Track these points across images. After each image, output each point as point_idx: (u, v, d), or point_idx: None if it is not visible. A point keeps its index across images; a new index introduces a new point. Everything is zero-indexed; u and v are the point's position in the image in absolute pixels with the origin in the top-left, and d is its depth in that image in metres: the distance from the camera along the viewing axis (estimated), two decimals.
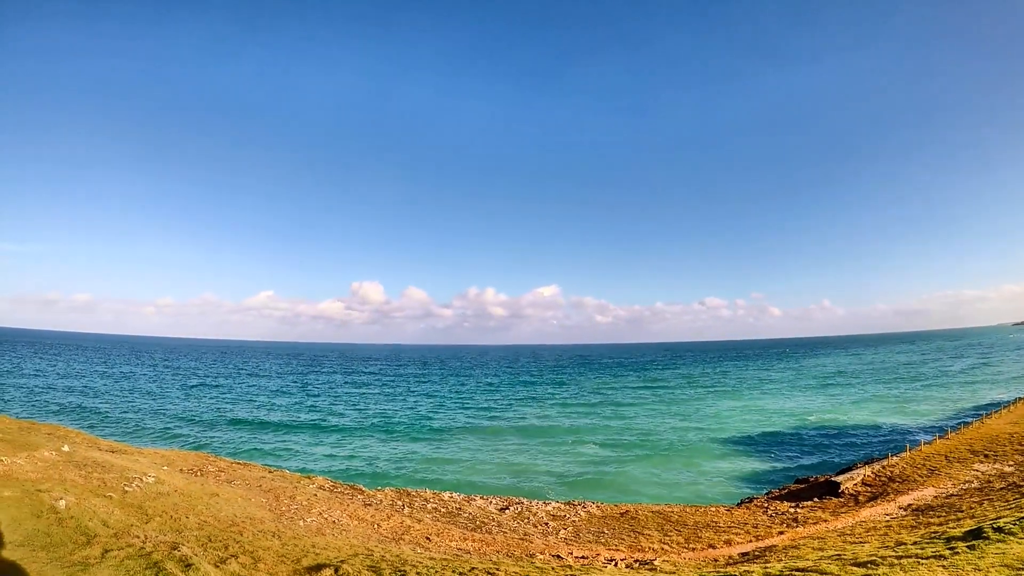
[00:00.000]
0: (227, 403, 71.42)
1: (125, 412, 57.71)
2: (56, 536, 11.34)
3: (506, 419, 62.59)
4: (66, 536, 11.43)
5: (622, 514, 24.28)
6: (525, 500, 26.37)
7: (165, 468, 21.48)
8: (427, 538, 17.91)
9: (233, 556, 11.59)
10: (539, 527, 22.08)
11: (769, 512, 24.10)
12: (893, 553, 10.82)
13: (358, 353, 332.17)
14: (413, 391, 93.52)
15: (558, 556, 16.55)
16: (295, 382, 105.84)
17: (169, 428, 51.14)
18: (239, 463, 26.70)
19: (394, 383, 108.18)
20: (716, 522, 22.85)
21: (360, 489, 24.79)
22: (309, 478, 25.40)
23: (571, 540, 20.33)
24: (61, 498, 13.79)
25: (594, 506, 25.82)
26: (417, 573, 11.06)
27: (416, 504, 23.72)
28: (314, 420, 59.45)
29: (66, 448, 20.87)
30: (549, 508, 25.21)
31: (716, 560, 16.22)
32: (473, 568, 11.99)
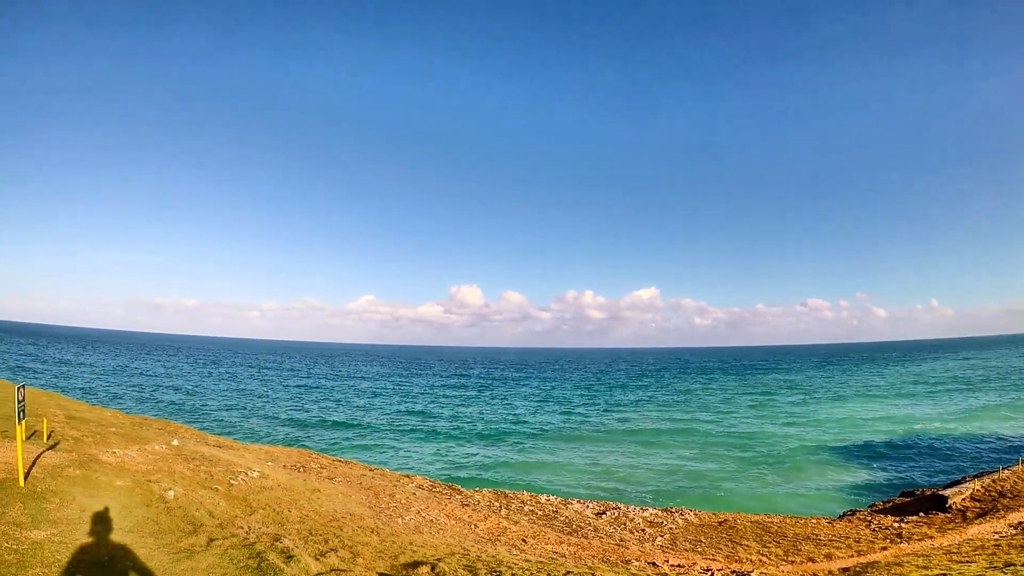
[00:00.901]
0: (329, 403, 76.96)
1: (230, 410, 64.14)
2: (164, 524, 12.47)
3: (603, 423, 65.51)
4: (173, 524, 12.53)
5: (720, 523, 24.89)
6: (622, 505, 27.43)
7: (269, 464, 23.21)
8: (523, 540, 18.67)
9: (333, 550, 12.32)
10: (635, 533, 22.81)
11: (872, 526, 24.27)
12: (1002, 575, 11.00)
13: (456, 356, 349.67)
14: (511, 394, 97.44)
15: (653, 563, 17.07)
16: (395, 384, 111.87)
17: (272, 426, 56.24)
18: (340, 460, 28.56)
19: (492, 386, 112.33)
20: (816, 535, 23.09)
21: (458, 489, 26.09)
22: (408, 477, 26.79)
23: (668, 548, 20.91)
24: (170, 489, 15.19)
25: (692, 514, 26.57)
26: (512, 574, 11.40)
27: (513, 506, 24.90)
28: (413, 421, 63.35)
29: (175, 442, 23.07)
30: (646, 514, 26.06)
31: (816, 574, 16.74)
32: (568, 572, 12.27)
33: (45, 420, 21.42)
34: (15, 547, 9.80)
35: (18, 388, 14.30)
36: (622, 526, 23.67)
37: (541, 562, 13.95)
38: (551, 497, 27.55)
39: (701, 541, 21.85)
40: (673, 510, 26.93)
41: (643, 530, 23.16)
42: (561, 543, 19.12)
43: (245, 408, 66.28)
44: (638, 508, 26.89)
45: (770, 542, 21.70)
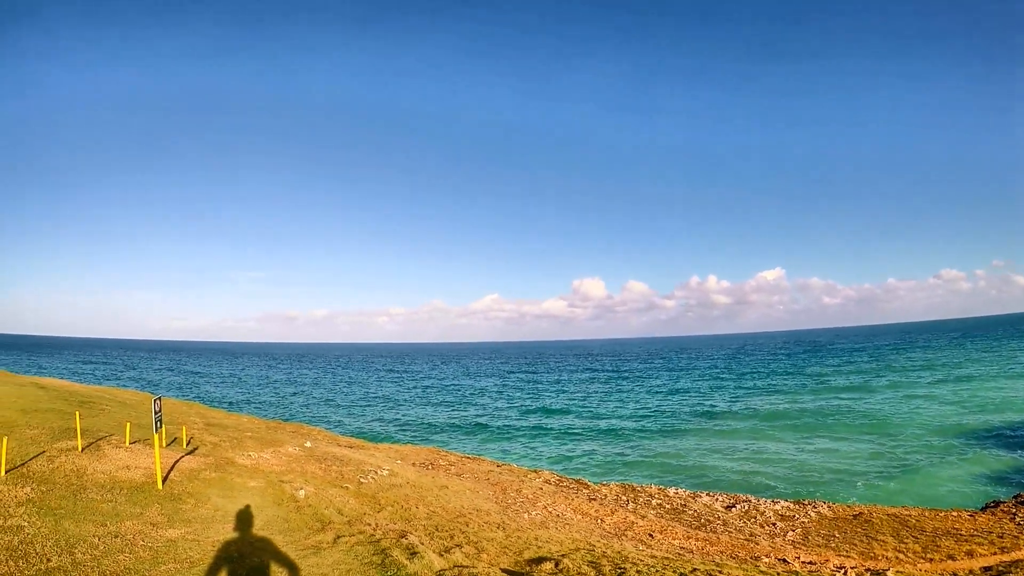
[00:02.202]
0: (457, 401, 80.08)
1: (361, 412, 68.56)
2: (293, 522, 13.25)
3: (732, 412, 64.98)
4: (303, 522, 13.29)
5: (855, 516, 24.01)
6: (752, 498, 27.06)
7: (399, 462, 24.30)
8: (650, 535, 18.77)
9: (458, 546, 12.74)
10: (766, 527, 22.54)
11: (1017, 519, 23.45)
12: None
13: (581, 349, 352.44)
14: (637, 387, 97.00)
15: (784, 560, 16.77)
16: (521, 380, 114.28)
17: (401, 426, 59.64)
18: (468, 457, 29.50)
19: (617, 379, 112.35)
20: (957, 529, 22.14)
21: (585, 484, 26.51)
22: (536, 472, 27.34)
23: (799, 543, 20.49)
24: (301, 488, 16.17)
25: (825, 506, 25.69)
26: (637, 571, 11.16)
27: (641, 500, 25.15)
28: (540, 417, 64.81)
29: (308, 444, 24.68)
30: (777, 507, 25.37)
31: (955, 574, 16.57)
32: (695, 569, 11.82)
33: (184, 428, 23.68)
34: (150, 545, 10.78)
35: (155, 400, 16.03)
36: (752, 520, 23.36)
37: (667, 558, 13.84)
38: (679, 490, 27.59)
39: (834, 536, 21.43)
40: (805, 502, 26.32)
41: (774, 524, 22.88)
42: (689, 538, 19.10)
43: (375, 410, 70.42)
44: (769, 501, 26.40)
45: (907, 537, 21.03)
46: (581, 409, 69.51)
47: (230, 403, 71.74)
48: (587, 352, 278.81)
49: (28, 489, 12.79)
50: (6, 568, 9.21)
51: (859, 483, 35.79)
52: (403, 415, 65.85)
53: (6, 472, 13.73)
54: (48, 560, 9.63)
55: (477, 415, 66.06)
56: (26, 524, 10.92)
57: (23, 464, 14.67)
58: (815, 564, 16.23)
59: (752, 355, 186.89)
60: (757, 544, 19.41)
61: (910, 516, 23.86)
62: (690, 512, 23.54)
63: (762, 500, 26.41)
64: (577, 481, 26.89)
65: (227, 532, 11.95)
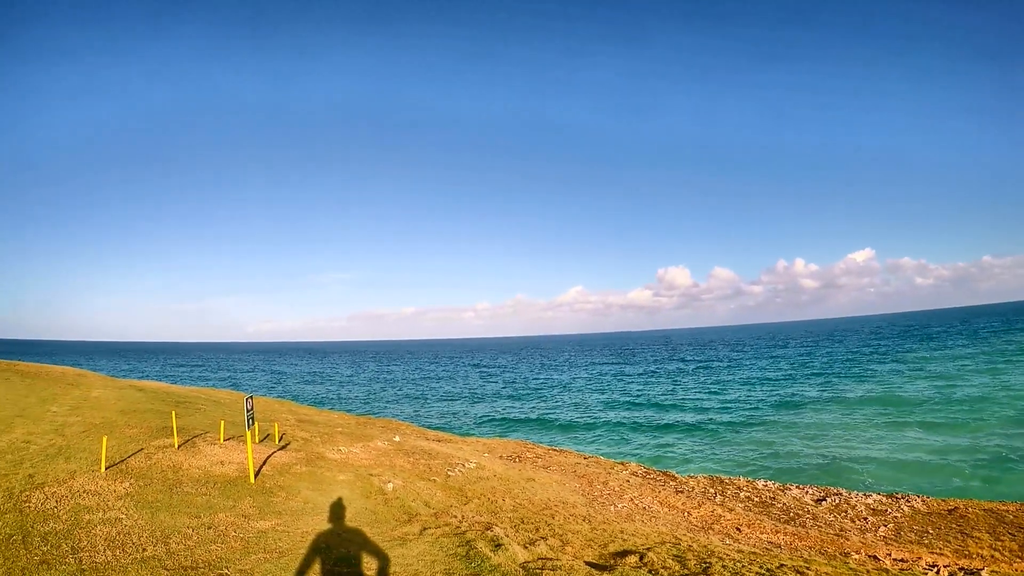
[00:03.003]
0: (543, 393, 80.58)
1: (449, 407, 69.82)
2: (381, 514, 13.66)
3: (822, 402, 62.97)
4: (390, 514, 13.68)
5: (950, 511, 22.99)
6: (844, 491, 26.06)
7: (486, 455, 24.61)
8: (737, 529, 18.50)
9: (542, 538, 12.91)
10: (857, 522, 21.76)
11: None
12: None
13: (667, 339, 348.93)
14: (725, 375, 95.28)
15: (874, 557, 16.11)
16: (606, 372, 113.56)
17: (489, 418, 60.76)
18: (555, 449, 29.63)
19: (704, 369, 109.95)
20: None
21: (672, 476, 26.23)
22: (622, 464, 27.22)
23: (890, 539, 19.72)
24: (389, 481, 16.62)
25: (919, 500, 24.53)
26: (723, 566, 11.05)
27: (728, 492, 24.67)
28: (625, 408, 64.36)
29: (397, 438, 25.33)
30: (869, 501, 24.34)
31: None
32: (782, 565, 11.45)
33: (276, 424, 24.79)
34: (241, 535, 11.41)
35: (247, 399, 16.99)
36: (842, 514, 22.59)
37: (754, 553, 13.60)
38: (768, 482, 26.89)
39: (928, 532, 20.55)
40: (898, 496, 25.22)
41: (865, 518, 22.09)
42: (776, 532, 18.65)
43: (462, 404, 71.73)
44: (860, 494, 25.52)
45: (1004, 534, 20.02)
46: (668, 400, 68.90)
47: (321, 400, 74.73)
48: (673, 342, 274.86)
49: (127, 484, 13.78)
50: (104, 557, 9.96)
51: (954, 476, 34.58)
52: (489, 409, 66.75)
53: (106, 468, 14.84)
54: (144, 550, 10.35)
55: (562, 408, 66.27)
56: (124, 516, 11.78)
57: (122, 461, 15.82)
58: (906, 562, 15.63)
59: (842, 341, 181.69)
60: (847, 539, 18.89)
61: (1008, 512, 22.75)
62: (779, 505, 23.09)
63: (853, 493, 25.69)
64: (664, 473, 26.65)
65: (316, 524, 12.43)
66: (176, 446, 17.84)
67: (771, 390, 72.91)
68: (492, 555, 10.67)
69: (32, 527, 11.01)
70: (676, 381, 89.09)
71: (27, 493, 12.75)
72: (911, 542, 19.09)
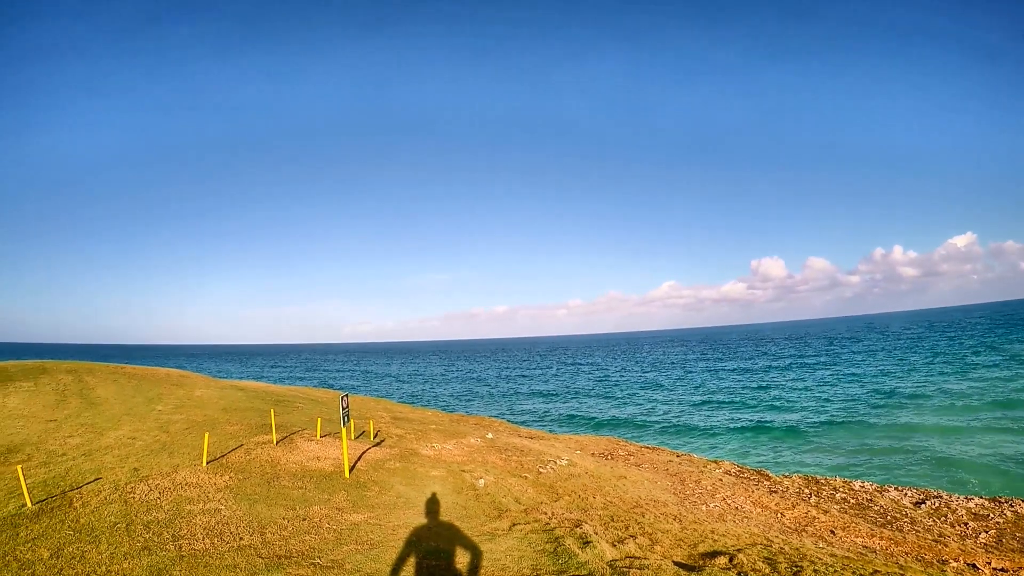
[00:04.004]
0: (635, 388, 79.43)
1: (541, 403, 70.07)
2: (472, 509, 13.82)
3: (922, 397, 59.65)
4: (480, 510, 13.82)
5: None
6: (944, 493, 24.58)
7: (578, 452, 24.49)
8: (831, 532, 17.65)
9: (632, 537, 12.75)
10: (957, 527, 20.45)
11: None
12: None
13: (761, 334, 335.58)
14: (820, 370, 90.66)
15: (973, 566, 15.19)
16: (698, 367, 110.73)
17: (582, 415, 60.25)
18: (647, 447, 29.18)
19: (799, 365, 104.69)
20: None
21: (767, 475, 25.28)
22: (716, 463, 26.53)
23: (991, 547, 18.24)
24: (481, 478, 16.80)
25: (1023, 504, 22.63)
26: (814, 570, 10.67)
27: (823, 493, 23.56)
28: (716, 406, 62.67)
29: (490, 435, 25.59)
30: (971, 505, 22.75)
31: None
32: (876, 572, 10.89)
33: (372, 422, 25.53)
34: (334, 527, 11.82)
35: (342, 397, 17.66)
36: (942, 518, 21.17)
37: (847, 557, 13.07)
38: (865, 483, 25.56)
39: None
40: (1002, 500, 23.44)
41: (965, 524, 20.62)
42: (872, 536, 17.71)
43: (554, 401, 71.73)
44: (962, 497, 23.93)
45: None
46: (762, 398, 66.75)
47: (415, 398, 76.52)
48: (767, 336, 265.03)
49: (227, 477, 14.53)
50: (202, 545, 10.55)
51: None
52: (581, 406, 66.53)
53: (207, 463, 15.71)
54: (240, 539, 10.91)
55: (653, 405, 65.27)
56: (223, 507, 12.43)
57: (223, 456, 16.72)
58: (1007, 572, 14.69)
59: (944, 332, 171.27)
60: (946, 546, 17.70)
61: None
62: (875, 508, 21.92)
63: (954, 496, 24.11)
64: (758, 472, 25.78)
65: (407, 517, 12.69)
66: (274, 442, 18.65)
67: (868, 386, 69.53)
68: (580, 552, 10.66)
69: (135, 516, 11.80)
70: (770, 378, 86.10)
71: (132, 485, 13.68)
72: (1013, 550, 17.79)
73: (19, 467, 13.54)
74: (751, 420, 53.57)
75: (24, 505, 12.08)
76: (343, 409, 16.99)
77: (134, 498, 12.80)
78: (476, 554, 10.64)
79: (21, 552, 10.00)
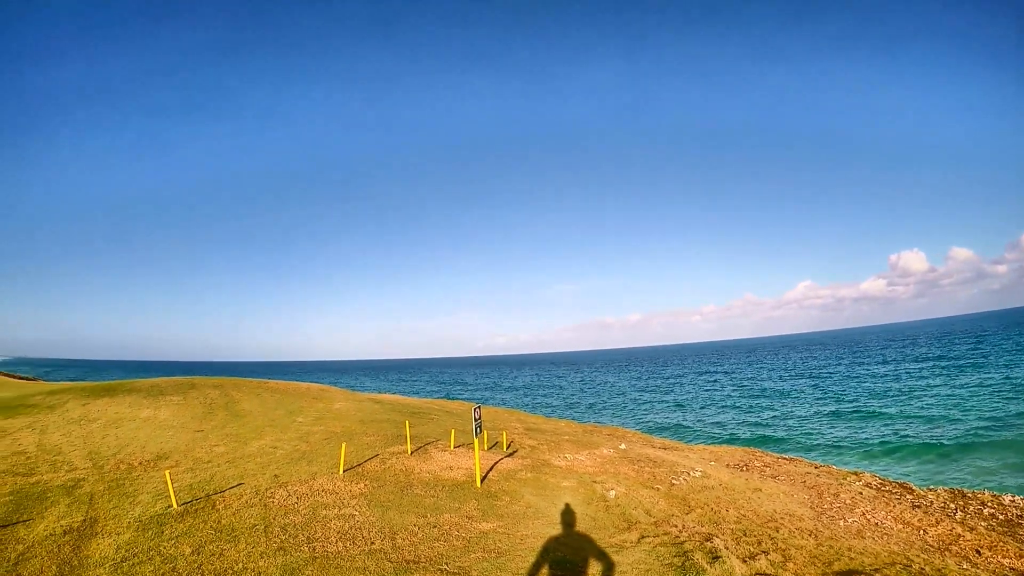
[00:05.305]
0: (773, 397, 75.68)
1: (673, 413, 68.17)
2: (600, 520, 13.72)
3: None
4: (609, 521, 13.69)
5: None
6: None
7: (712, 463, 23.66)
8: (976, 551, 15.86)
9: (763, 552, 12.28)
10: None
11: None
12: None
13: (903, 333, 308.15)
14: (965, 374, 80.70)
15: None
16: (834, 375, 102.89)
17: (716, 425, 57.97)
18: (784, 458, 27.74)
19: (943, 368, 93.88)
20: None
21: (909, 488, 22.97)
22: (855, 474, 24.64)
23: None
24: (612, 489, 16.62)
25: None
26: None
27: (971, 508, 20.91)
28: (853, 416, 58.12)
29: (623, 446, 25.28)
30: None
31: None
32: None
33: (505, 432, 25.90)
34: (464, 535, 12.12)
35: (475, 408, 18.04)
36: None
37: None
38: (1016, 498, 22.57)
39: None
40: None
41: None
42: (1021, 558, 15.61)
43: (687, 411, 69.55)
44: None
45: None
46: (904, 399, 61.75)
47: (549, 408, 76.77)
48: (910, 337, 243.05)
49: (362, 485, 15.27)
50: (335, 548, 11.19)
51: None
52: (716, 416, 64.31)
53: (344, 471, 16.63)
54: (372, 543, 11.45)
55: (788, 414, 61.96)
56: (357, 513, 13.10)
57: (359, 465, 17.65)
58: None
59: None
60: None
61: None
62: None
63: None
64: (900, 485, 23.69)
65: (536, 527, 12.78)
66: (409, 452, 19.38)
67: (1019, 391, 62.82)
68: (708, 567, 10.41)
69: (273, 519, 12.73)
70: (912, 383, 79.31)
71: (272, 490, 14.80)
72: None
73: (167, 472, 15.01)
74: (892, 429, 49.93)
75: (170, 506, 13.42)
76: (476, 420, 17.34)
77: (273, 502, 13.79)
78: (603, 566, 10.56)
79: (165, 548, 11.09)
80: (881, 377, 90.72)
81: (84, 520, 12.55)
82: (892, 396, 68.35)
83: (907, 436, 46.77)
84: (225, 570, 10.11)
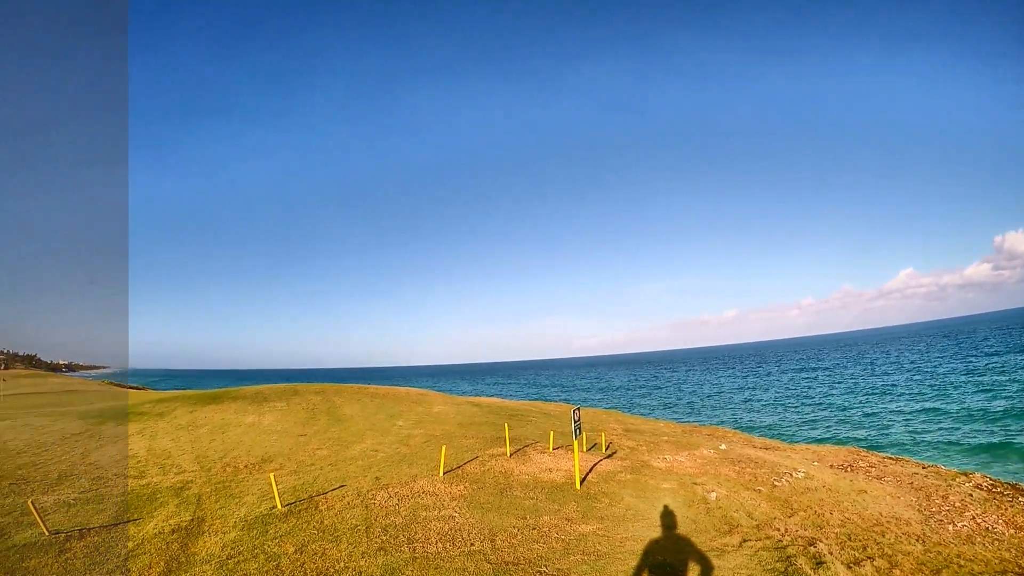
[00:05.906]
0: (877, 394, 71.62)
1: (773, 412, 65.55)
2: (701, 523, 13.54)
3: None
4: (710, 524, 13.49)
5: None
6: None
7: (815, 464, 22.83)
8: None
9: (869, 558, 11.82)
10: None
11: None
12: None
13: (1011, 320, 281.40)
14: None
15: None
16: (941, 366, 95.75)
17: (819, 425, 55.22)
18: (891, 458, 26.33)
19: None
20: None
21: (1023, 490, 20.95)
22: (965, 475, 22.94)
23: None
24: (712, 491, 16.35)
25: None
26: None
27: None
28: (964, 407, 53.73)
29: (723, 447, 24.77)
30: None
31: None
32: None
33: (604, 434, 25.92)
34: (563, 537, 12.24)
35: (574, 410, 18.27)
36: None
37: None
38: None
39: None
40: None
41: None
42: None
43: (790, 409, 66.82)
44: None
45: None
46: (1011, 402, 56.93)
47: (646, 409, 75.66)
48: (1018, 324, 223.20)
49: (461, 487, 15.67)
50: (435, 548, 11.57)
51: None
52: (816, 414, 61.63)
53: (444, 473, 17.12)
54: (471, 544, 11.76)
55: (892, 410, 58.47)
56: (456, 515, 13.47)
57: (459, 467, 18.14)
58: None
59: None
60: None
61: None
62: None
63: None
64: (1013, 487, 21.87)
65: (635, 530, 12.76)
66: (508, 454, 19.72)
67: None
68: (812, 573, 10.18)
69: (375, 520, 13.26)
70: (1021, 375, 73.02)
71: (373, 492, 15.45)
72: None
73: (271, 474, 15.89)
74: (1000, 426, 46.37)
75: (274, 507, 14.24)
76: (575, 422, 17.46)
77: (374, 504, 14.38)
78: (704, 570, 10.45)
79: (269, 546, 11.78)
80: (987, 370, 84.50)
81: (192, 519, 13.52)
82: (998, 390, 63.79)
83: (1014, 433, 43.62)
84: (327, 569, 10.64)
